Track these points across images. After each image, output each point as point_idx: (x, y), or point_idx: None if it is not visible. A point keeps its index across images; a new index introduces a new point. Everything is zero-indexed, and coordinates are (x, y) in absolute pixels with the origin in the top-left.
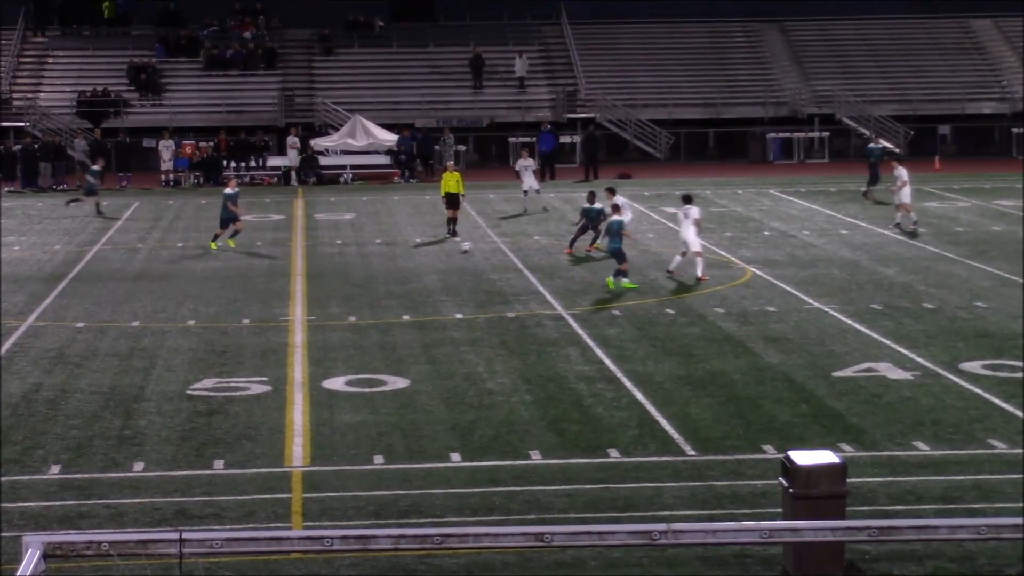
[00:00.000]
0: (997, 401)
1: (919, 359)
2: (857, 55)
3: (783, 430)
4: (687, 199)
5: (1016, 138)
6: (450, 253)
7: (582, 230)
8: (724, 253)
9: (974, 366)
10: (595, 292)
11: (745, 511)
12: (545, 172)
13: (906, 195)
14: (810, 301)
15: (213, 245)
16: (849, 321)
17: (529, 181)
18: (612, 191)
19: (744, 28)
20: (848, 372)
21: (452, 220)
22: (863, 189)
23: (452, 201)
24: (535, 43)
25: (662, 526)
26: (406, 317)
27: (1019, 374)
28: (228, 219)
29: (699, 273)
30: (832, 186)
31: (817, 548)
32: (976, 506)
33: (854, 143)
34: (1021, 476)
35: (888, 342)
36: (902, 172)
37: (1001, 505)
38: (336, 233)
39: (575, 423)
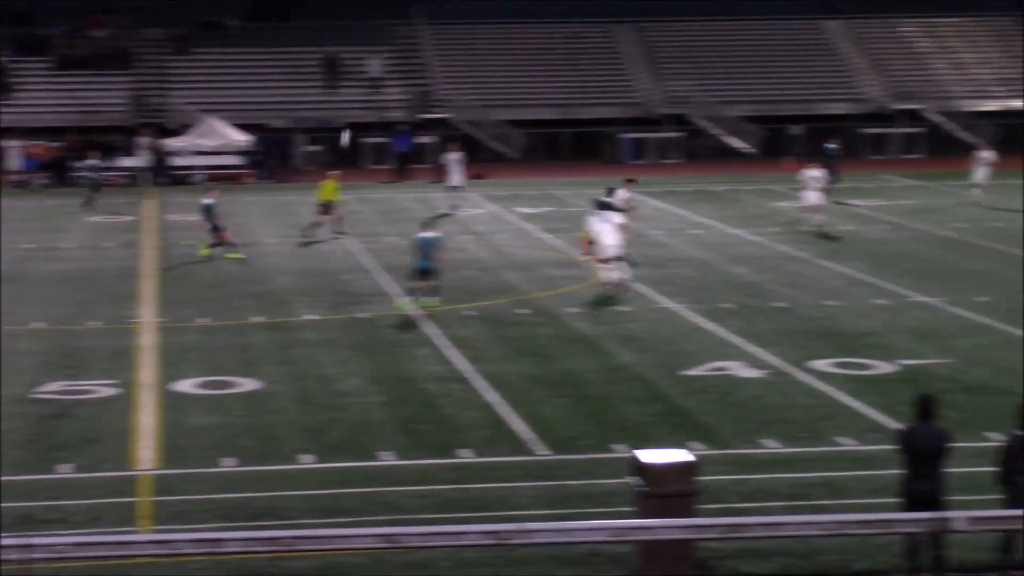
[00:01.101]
0: (845, 399)
1: (769, 357)
2: (711, 56)
3: (635, 429)
4: (605, 204)
5: (866, 139)
6: (305, 255)
7: None
8: (578, 253)
9: (823, 364)
10: (449, 292)
11: (597, 510)
12: (402, 173)
13: (815, 198)
14: (662, 300)
15: (236, 255)
16: (701, 320)
17: (456, 179)
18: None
19: (599, 29)
20: (699, 371)
21: (321, 224)
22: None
23: (327, 207)
24: (389, 43)
25: (513, 526)
26: (259, 318)
27: (867, 372)
28: (217, 227)
29: (612, 278)
30: (685, 186)
31: (668, 546)
32: (824, 503)
33: (706, 143)
34: (868, 473)
35: (739, 341)
36: (813, 174)
37: (848, 501)
38: (188, 234)
39: (427, 424)
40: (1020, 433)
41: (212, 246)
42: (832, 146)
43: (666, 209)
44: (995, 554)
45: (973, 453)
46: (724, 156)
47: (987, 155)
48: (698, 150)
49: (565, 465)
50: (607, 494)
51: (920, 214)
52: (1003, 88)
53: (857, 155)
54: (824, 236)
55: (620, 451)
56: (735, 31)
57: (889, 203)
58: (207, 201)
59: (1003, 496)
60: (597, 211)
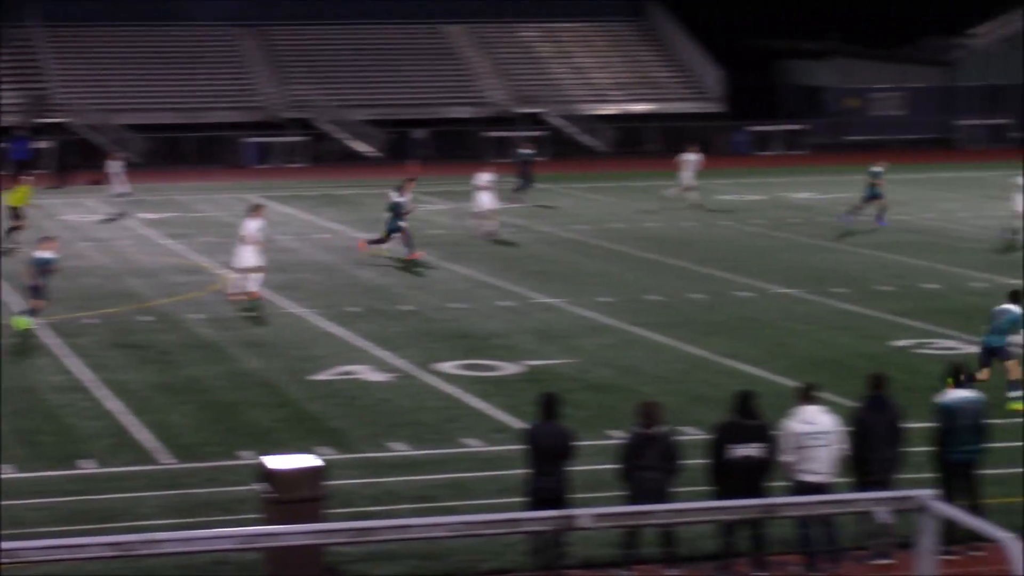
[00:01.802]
0: (472, 400)
1: (397, 361)
2: (334, 60)
3: (262, 435)
4: (256, 209)
5: (488, 142)
6: None
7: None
8: (202, 259)
9: (450, 366)
10: (70, 301)
11: (224, 518)
12: (63, 177)
13: (487, 202)
14: (289, 305)
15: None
16: (328, 324)
17: (119, 186)
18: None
19: (221, 32)
20: (326, 375)
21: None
22: (512, 191)
23: (19, 213)
24: (3, 46)
25: (139, 536)
26: None
27: (493, 373)
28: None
29: (247, 288)
30: (310, 191)
31: (295, 552)
32: (452, 504)
33: (331, 147)
34: (495, 473)
35: (366, 344)
36: (485, 177)
37: (476, 502)
38: None
39: (48, 435)
40: (641, 430)
41: None
42: (526, 151)
43: (292, 214)
44: (619, 550)
45: (597, 451)
46: (349, 160)
47: (694, 157)
48: (323, 154)
49: (191, 473)
50: (234, 501)
51: (544, 216)
52: (621, 92)
53: (481, 158)
54: (499, 242)
55: (247, 457)
56: (357, 35)
57: (511, 206)
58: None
59: (626, 492)
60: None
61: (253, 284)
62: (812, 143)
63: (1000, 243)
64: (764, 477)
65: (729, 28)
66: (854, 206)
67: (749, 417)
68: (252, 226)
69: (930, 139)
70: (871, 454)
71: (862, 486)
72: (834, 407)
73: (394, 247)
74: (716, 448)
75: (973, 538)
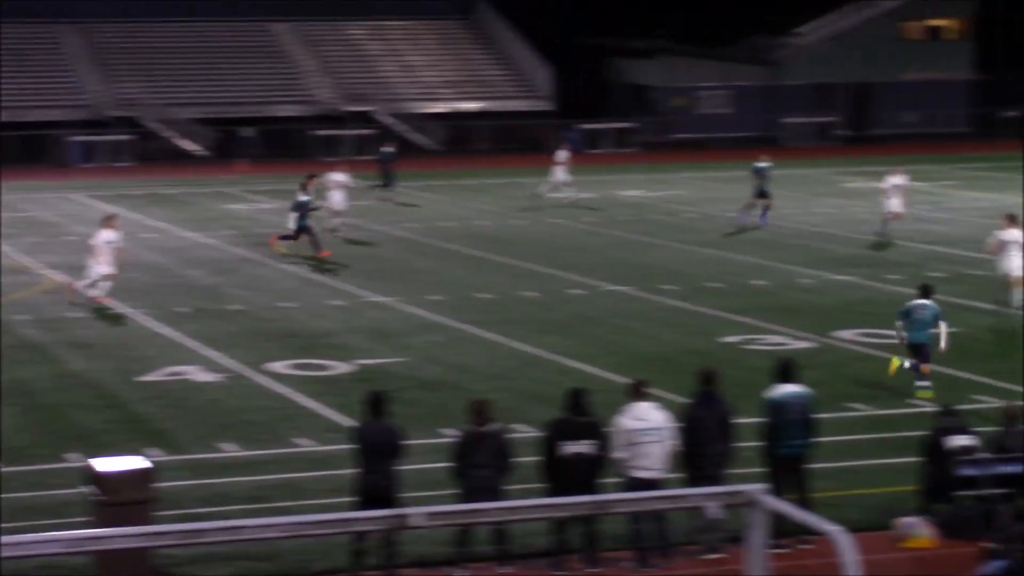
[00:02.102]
0: (303, 400)
1: (227, 361)
2: (160, 58)
3: (90, 437)
4: (109, 219)
5: (317, 140)
6: None
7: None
8: (27, 259)
9: (281, 366)
10: None
11: (51, 521)
12: None
13: (339, 201)
14: (117, 306)
15: None
16: (156, 325)
17: None
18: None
19: (44, 30)
20: (155, 376)
21: None
22: (376, 190)
23: None
24: None
25: None
26: None
27: (324, 372)
28: None
29: (93, 295)
30: (137, 190)
31: (124, 555)
32: (284, 504)
33: (158, 146)
34: (327, 473)
35: (196, 345)
36: (337, 177)
37: (308, 502)
38: None
39: None
40: (473, 428)
41: None
42: (388, 150)
43: (118, 214)
44: (452, 548)
45: (430, 449)
46: (176, 159)
47: (564, 154)
48: (150, 153)
49: (16, 477)
50: (61, 505)
51: (376, 214)
52: (451, 91)
53: (310, 157)
54: (350, 241)
55: (74, 460)
56: (184, 33)
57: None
58: None
59: (458, 490)
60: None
61: (99, 291)
62: (641, 141)
63: (873, 242)
64: (596, 474)
65: (558, 27)
66: (747, 204)
67: (581, 414)
68: (104, 237)
69: (756, 137)
70: (702, 450)
71: (693, 482)
72: (665, 403)
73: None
74: (548, 445)
75: (802, 531)
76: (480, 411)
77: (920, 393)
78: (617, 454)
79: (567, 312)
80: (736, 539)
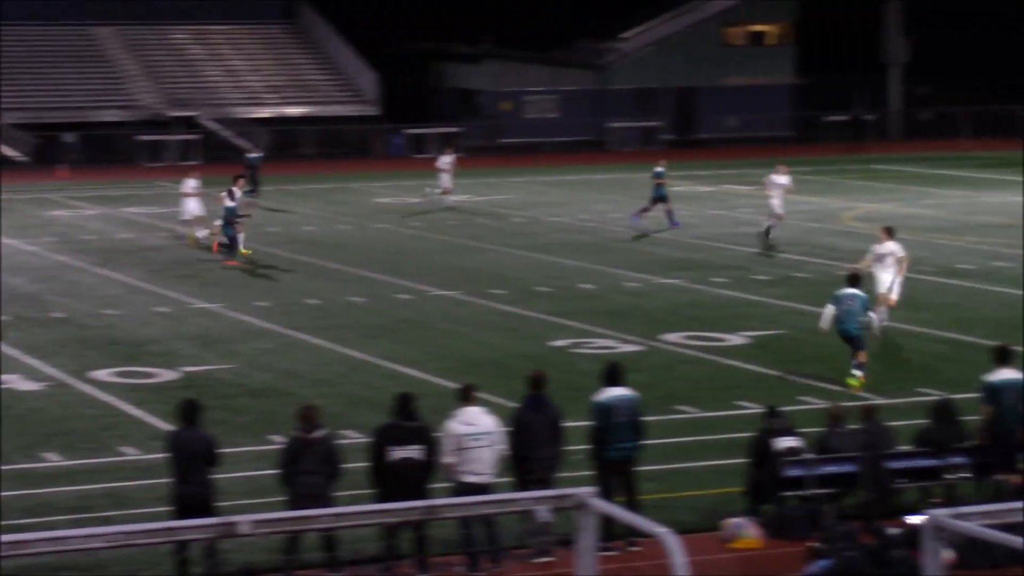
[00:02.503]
0: (128, 408)
1: (49, 369)
2: None
3: None
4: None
5: (141, 146)
6: None
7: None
8: None
9: (105, 374)
10: None
11: None
12: None
13: (193, 208)
14: None
15: None
16: None
17: None
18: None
19: None
20: None
21: None
22: (251, 196)
23: None
24: None
25: None
26: None
27: (149, 380)
28: None
29: None
30: None
31: None
32: (109, 514)
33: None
34: (152, 482)
35: (16, 353)
36: (190, 183)
37: (134, 511)
38: None
39: None
40: (301, 435)
41: None
42: (254, 155)
43: None
44: (280, 556)
45: (258, 456)
46: None
47: (448, 158)
48: None
49: None
50: None
51: (196, 221)
52: (276, 95)
53: (134, 162)
54: (153, 248)
55: None
56: (2, 35)
57: (166, 210)
58: None
59: (286, 497)
60: None
61: None
62: (468, 146)
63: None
64: (425, 479)
65: (383, 31)
66: (643, 208)
67: (409, 419)
68: None
69: (583, 141)
70: (531, 453)
71: (523, 485)
72: (494, 408)
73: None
74: (376, 451)
75: (632, 534)
76: (308, 417)
77: (850, 380)
78: (446, 459)
79: (395, 317)
80: (566, 542)
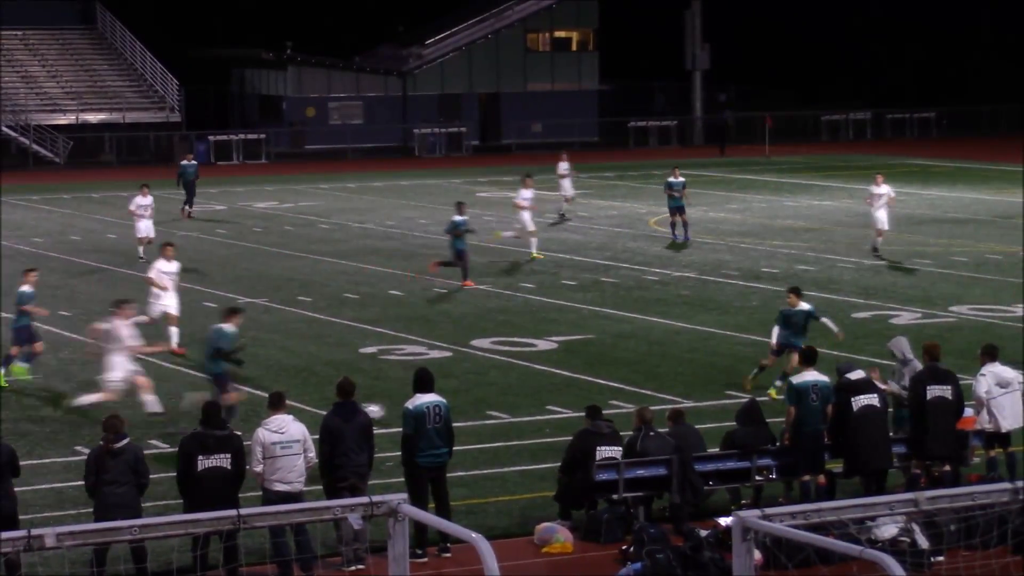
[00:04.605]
0: None
1: None
2: None
3: None
4: None
5: None
6: None
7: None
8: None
9: None
10: None
11: None
12: None
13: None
14: None
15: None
16: None
17: None
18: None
19: None
20: None
21: None
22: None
23: None
24: None
25: None
26: None
27: None
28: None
29: None
30: None
31: None
32: None
33: None
34: None
35: None
36: None
37: None
38: None
39: None
40: (107, 445)
41: None
42: (189, 162)
43: None
44: (88, 568)
45: (64, 467)
46: None
47: (565, 164)
48: None
49: None
50: None
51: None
52: (76, 102)
53: None
54: None
55: None
56: None
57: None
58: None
59: (93, 508)
60: None
61: None
62: (271, 152)
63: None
64: (235, 488)
65: (185, 37)
66: (680, 221)
67: (218, 428)
68: None
69: (389, 147)
70: (341, 461)
71: (334, 493)
72: (304, 415)
73: None
74: (185, 460)
75: (444, 539)
76: (113, 427)
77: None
78: (255, 467)
79: (202, 325)
80: (378, 549)
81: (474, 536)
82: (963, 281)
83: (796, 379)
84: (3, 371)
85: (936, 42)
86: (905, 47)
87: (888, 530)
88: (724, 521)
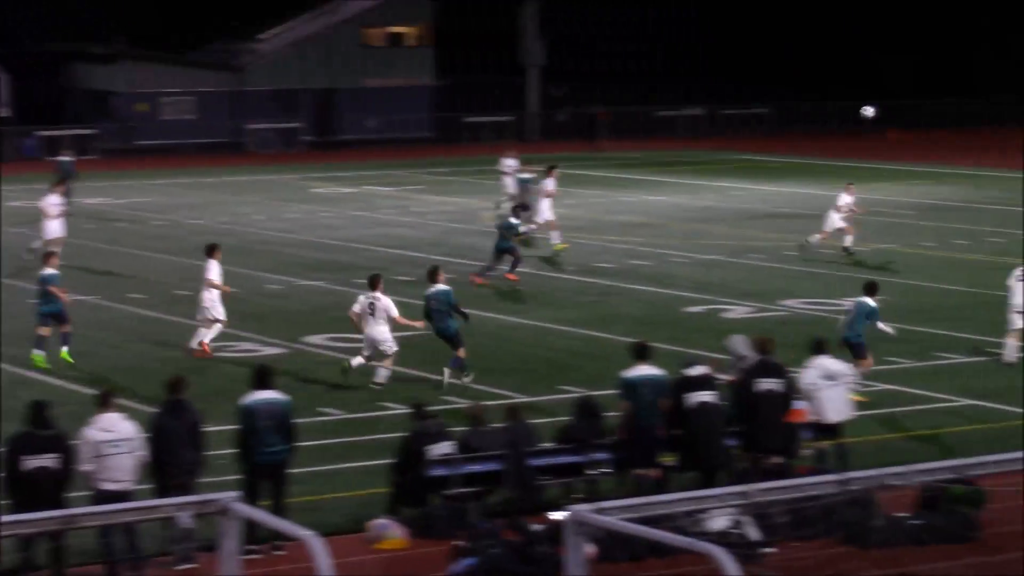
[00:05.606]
0: None
1: None
2: None
3: None
4: None
5: None
6: None
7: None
8: None
9: None
10: None
11: None
12: None
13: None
14: None
15: (39, 360)
16: None
17: None
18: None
19: None
20: None
21: None
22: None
23: None
24: None
25: None
26: None
27: None
28: (54, 314)
29: None
30: None
31: None
32: None
33: None
34: None
35: None
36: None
37: None
38: None
39: None
40: None
41: None
42: (66, 158)
43: None
44: None
45: None
46: None
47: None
48: None
49: None
50: None
51: None
52: None
53: None
54: None
55: None
56: None
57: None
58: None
59: None
60: None
61: None
62: (102, 148)
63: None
64: (62, 488)
65: (14, 30)
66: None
67: (44, 427)
68: None
69: (221, 143)
70: (172, 458)
71: (164, 491)
72: (133, 413)
73: None
74: (10, 460)
75: (277, 537)
76: None
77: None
78: (84, 467)
79: (29, 324)
80: (209, 547)
81: (307, 533)
82: (794, 275)
83: (628, 373)
84: (65, 349)
85: (769, 37)
86: (738, 44)
87: (718, 522)
88: (557, 515)
